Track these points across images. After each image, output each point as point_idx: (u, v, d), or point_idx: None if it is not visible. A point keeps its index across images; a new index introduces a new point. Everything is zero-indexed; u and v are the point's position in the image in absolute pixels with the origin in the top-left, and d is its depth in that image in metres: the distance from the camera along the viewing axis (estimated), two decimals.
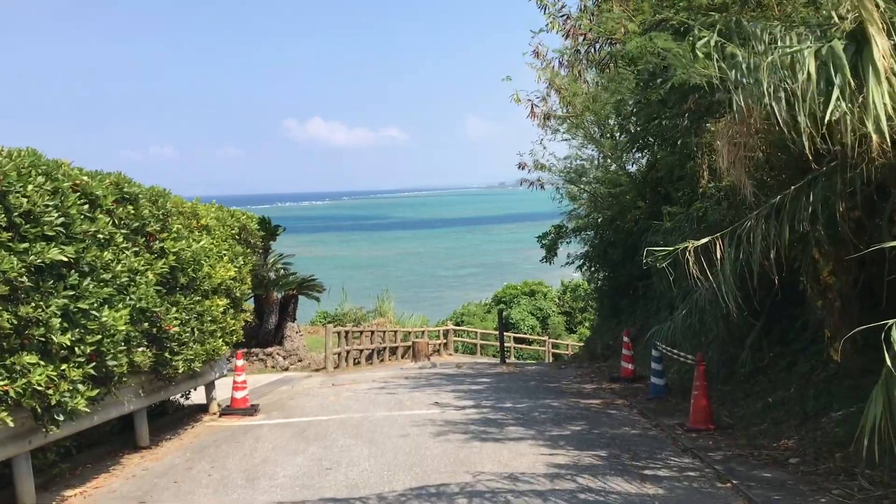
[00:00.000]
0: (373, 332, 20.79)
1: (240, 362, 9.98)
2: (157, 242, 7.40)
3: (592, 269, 18.72)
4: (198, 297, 8.21)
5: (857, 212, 5.77)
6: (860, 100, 3.93)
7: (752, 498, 5.38)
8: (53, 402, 5.42)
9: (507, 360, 21.32)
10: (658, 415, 8.83)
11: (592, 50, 11.04)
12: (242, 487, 6.28)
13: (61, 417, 5.61)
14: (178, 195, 8.35)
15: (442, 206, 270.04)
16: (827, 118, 4.01)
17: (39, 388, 5.19)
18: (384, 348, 21.28)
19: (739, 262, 6.15)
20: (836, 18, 4.67)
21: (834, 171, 5.35)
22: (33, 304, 5.20)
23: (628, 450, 7.07)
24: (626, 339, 12.24)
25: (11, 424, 5.18)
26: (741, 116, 5.63)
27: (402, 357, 21.82)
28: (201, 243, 8.28)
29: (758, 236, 5.77)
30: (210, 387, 9.90)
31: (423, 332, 23.87)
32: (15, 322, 5.08)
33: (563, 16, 11.28)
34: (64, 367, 5.53)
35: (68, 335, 5.48)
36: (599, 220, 17.85)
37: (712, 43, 4.86)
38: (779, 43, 4.45)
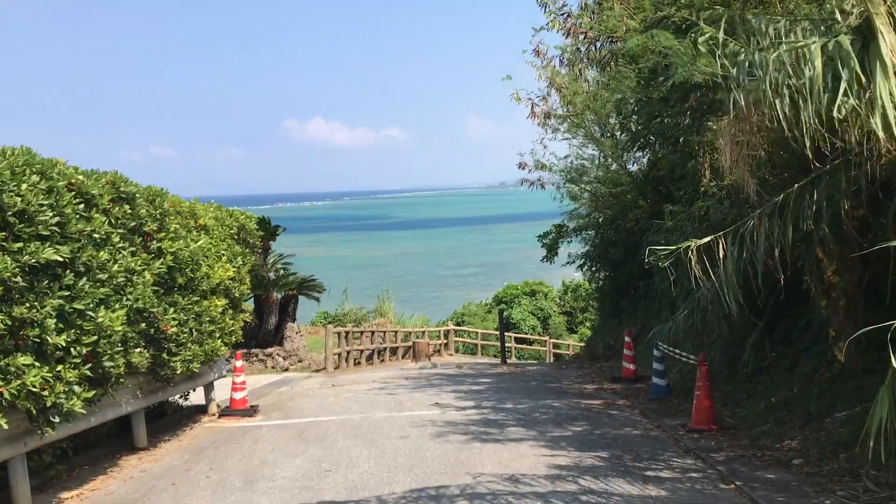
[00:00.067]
0: (373, 333, 20.73)
1: (239, 363, 9.92)
2: (154, 242, 7.34)
3: (593, 268, 18.66)
4: (196, 298, 8.15)
5: (862, 210, 5.71)
6: (867, 96, 3.87)
7: (755, 499, 5.32)
8: (49, 404, 5.35)
9: (508, 361, 21.26)
10: (660, 415, 8.76)
11: (593, 48, 10.97)
12: (241, 489, 6.22)
13: (57, 419, 5.54)
14: (175, 195, 8.29)
15: (442, 205, 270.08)
16: (833, 114, 3.95)
17: (34, 389, 5.12)
18: (384, 349, 21.21)
19: (742, 261, 6.10)
20: (838, 16, 4.60)
21: (838, 169, 5.29)
22: (28, 305, 5.13)
23: (630, 451, 7.01)
24: (627, 339, 12.18)
25: (6, 426, 5.11)
26: (743, 114, 5.56)
27: (403, 357, 21.76)
28: (199, 243, 8.22)
29: (761, 235, 5.72)
30: (209, 387, 9.84)
31: (423, 332, 23.81)
32: (9, 323, 5.02)
33: (563, 14, 11.22)
34: (59, 368, 5.46)
35: (64, 336, 5.42)
36: (600, 220, 17.79)
37: (719, 37, 4.78)
38: (783, 38, 4.38)
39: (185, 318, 7.84)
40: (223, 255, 9.13)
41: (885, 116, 3.74)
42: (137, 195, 7.03)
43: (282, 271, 18.29)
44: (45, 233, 5.31)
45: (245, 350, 16.28)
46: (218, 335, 8.88)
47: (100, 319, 5.84)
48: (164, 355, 7.51)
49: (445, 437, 7.79)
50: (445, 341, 25.52)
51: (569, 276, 35.77)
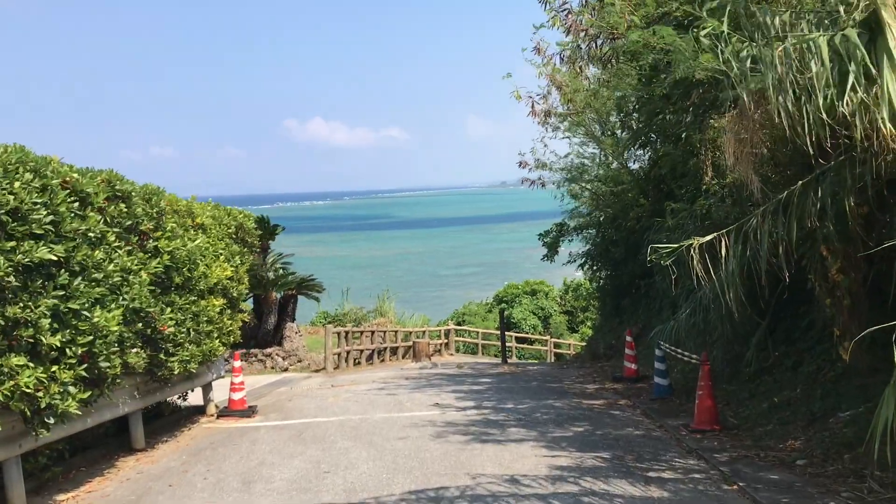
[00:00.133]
0: (373, 333, 20.66)
1: (237, 363, 9.85)
2: (150, 241, 7.27)
3: (594, 267, 18.60)
4: (193, 297, 8.08)
5: (867, 207, 5.64)
6: (874, 90, 3.80)
7: (759, 500, 5.26)
8: (43, 405, 5.28)
9: (509, 360, 21.20)
10: (662, 415, 8.69)
11: (594, 45, 10.90)
12: (238, 491, 6.16)
13: (52, 420, 5.47)
14: (172, 193, 8.22)
15: (443, 205, 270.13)
16: (839, 109, 3.87)
17: (28, 390, 5.06)
18: (384, 348, 21.15)
19: (745, 259, 6.03)
20: (842, 9, 4.53)
21: (843, 166, 5.22)
22: (21, 305, 5.07)
23: (632, 451, 6.94)
24: (628, 338, 12.11)
25: (0, 428, 5.05)
26: (747, 111, 5.49)
27: (403, 357, 21.70)
28: (197, 242, 8.14)
29: (764, 233, 5.65)
30: (207, 388, 9.77)
31: (423, 332, 23.75)
32: (2, 323, 4.95)
33: (564, 10, 11.14)
34: (54, 368, 5.40)
35: (58, 336, 5.35)
36: (601, 219, 17.73)
37: (723, 30, 4.71)
38: (788, 32, 4.31)
39: (183, 318, 7.78)
40: (221, 254, 9.06)
41: (892, 111, 3.67)
42: (133, 194, 6.95)
43: (281, 271, 18.23)
44: (38, 231, 5.24)
45: (244, 350, 16.22)
46: (216, 335, 8.81)
47: (95, 319, 5.77)
48: (162, 356, 7.44)
49: (445, 438, 7.73)
50: (446, 341, 25.46)
51: (570, 276, 35.72)
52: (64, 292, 5.47)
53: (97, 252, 6.01)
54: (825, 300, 6.24)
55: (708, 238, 5.98)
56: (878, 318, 6.21)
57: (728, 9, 4.82)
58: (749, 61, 4.83)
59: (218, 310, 8.72)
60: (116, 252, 6.46)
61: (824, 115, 3.93)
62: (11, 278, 4.95)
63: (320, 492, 5.98)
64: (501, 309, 30.33)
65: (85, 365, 5.74)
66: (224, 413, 9.70)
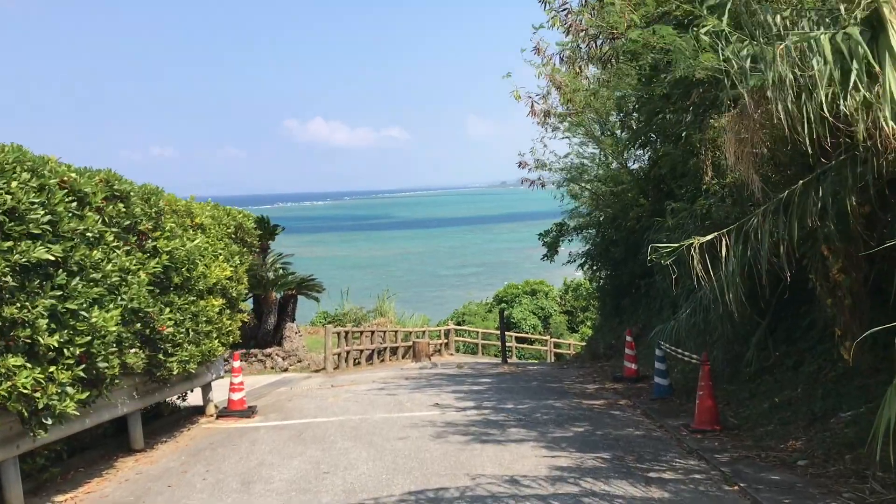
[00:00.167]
0: (373, 333, 20.64)
1: (237, 363, 9.83)
2: (149, 241, 7.24)
3: (594, 267, 18.58)
4: (192, 298, 8.05)
5: (868, 207, 5.61)
6: (876, 89, 3.77)
7: (760, 501, 5.23)
8: (41, 406, 5.26)
9: (509, 360, 21.18)
10: (662, 415, 8.67)
11: (594, 45, 10.88)
12: (237, 492, 6.14)
13: (49, 421, 5.44)
14: (171, 193, 8.19)
15: (443, 205, 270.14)
16: (841, 108, 3.85)
17: (25, 391, 5.03)
18: (384, 348, 21.13)
19: (746, 259, 6.01)
20: (842, 10, 4.51)
21: (844, 165, 5.19)
22: (18, 305, 5.04)
23: (632, 451, 6.91)
24: (628, 338, 12.08)
25: None
26: (747, 110, 5.47)
27: (403, 357, 21.68)
28: (196, 242, 8.12)
29: (765, 233, 5.63)
30: (206, 388, 9.75)
31: (423, 331, 23.73)
32: None
33: (564, 10, 11.11)
34: (52, 369, 5.37)
35: (56, 336, 5.32)
36: (601, 219, 17.71)
37: (722, 27, 4.68)
38: (789, 30, 4.28)
39: (182, 318, 7.75)
40: (220, 254, 9.04)
41: (895, 109, 3.65)
42: (132, 193, 6.93)
43: (281, 271, 18.21)
44: (36, 231, 5.21)
45: (244, 350, 16.20)
46: (215, 335, 8.78)
47: (93, 320, 5.75)
48: (160, 356, 7.42)
49: (445, 439, 7.70)
50: (446, 341, 25.44)
51: (570, 276, 35.70)
52: (62, 292, 5.44)
53: (95, 252, 5.98)
54: (826, 300, 6.22)
55: (708, 237, 5.95)
56: (879, 318, 6.19)
57: (728, 7, 4.79)
58: (749, 60, 4.80)
59: (217, 310, 8.69)
60: (115, 252, 6.43)
61: (827, 114, 3.90)
62: (8, 278, 4.92)
63: (319, 492, 5.96)
64: (501, 309, 30.30)
65: (83, 365, 5.71)
66: (223, 413, 9.68)
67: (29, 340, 5.13)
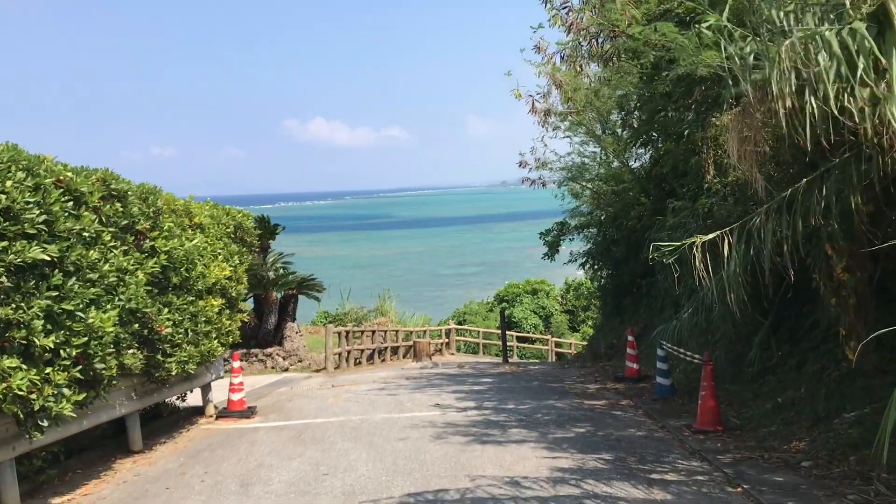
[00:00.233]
0: (374, 332, 20.59)
1: (236, 364, 9.78)
2: (147, 241, 7.19)
3: (595, 266, 18.51)
4: (191, 298, 8.00)
5: (872, 205, 5.55)
6: (882, 85, 3.71)
7: (763, 503, 5.17)
8: (37, 408, 5.21)
9: (510, 360, 21.13)
10: (664, 416, 8.61)
11: (595, 42, 10.82)
12: (236, 494, 6.08)
13: (45, 423, 5.40)
14: (169, 192, 8.14)
15: (444, 204, 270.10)
16: (846, 104, 3.79)
17: (21, 392, 4.98)
18: (385, 348, 21.08)
19: (749, 258, 5.95)
20: (847, 4, 4.45)
21: (848, 163, 5.13)
22: (14, 306, 4.99)
23: (634, 452, 6.85)
24: (630, 338, 12.02)
25: None
26: (750, 108, 5.41)
27: (404, 357, 21.63)
28: (194, 242, 8.06)
29: (768, 231, 5.57)
30: (206, 389, 9.70)
31: (424, 331, 23.68)
32: None
33: (565, 8, 11.04)
34: (48, 370, 5.33)
35: (52, 337, 5.27)
36: (602, 218, 17.64)
37: (725, 23, 4.62)
38: (793, 25, 4.22)
39: (180, 318, 7.70)
40: (219, 254, 8.98)
41: None
42: (129, 193, 6.87)
43: (281, 270, 18.17)
44: (31, 231, 5.16)
45: (244, 350, 16.16)
46: (214, 336, 8.73)
47: (90, 320, 5.70)
48: (159, 356, 7.37)
49: (446, 439, 7.65)
50: (447, 340, 25.39)
51: (571, 275, 35.63)
52: (58, 293, 5.39)
53: (92, 252, 5.93)
54: (830, 300, 6.15)
55: (710, 236, 5.90)
56: (884, 317, 6.14)
57: (729, 2, 4.73)
58: (752, 57, 4.75)
59: (216, 310, 8.64)
60: (112, 252, 6.38)
61: (835, 111, 3.84)
62: (3, 279, 4.88)
63: (319, 494, 5.91)
64: (502, 308, 30.26)
65: (80, 366, 5.67)
66: (223, 414, 9.63)
67: (24, 341, 5.09)
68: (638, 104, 10.70)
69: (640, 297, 15.63)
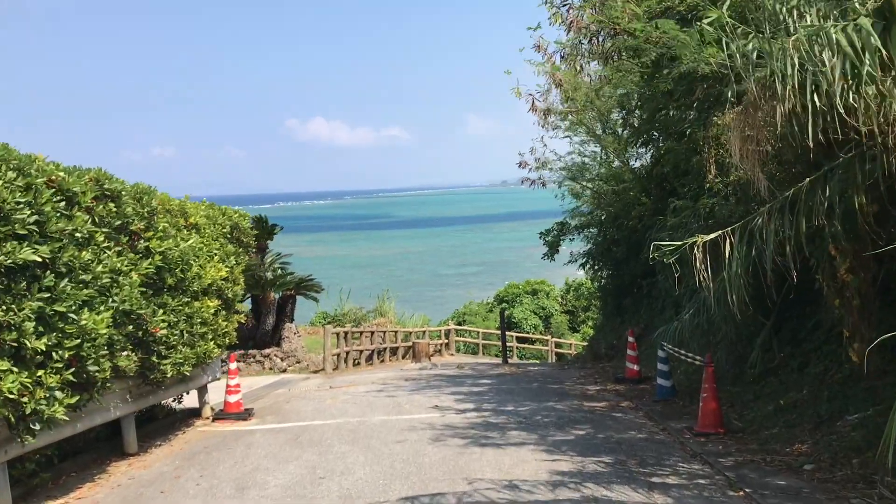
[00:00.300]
0: (373, 333, 20.51)
1: (233, 365, 9.71)
2: (141, 242, 7.10)
3: (596, 267, 18.44)
4: (187, 299, 7.91)
5: (876, 206, 5.48)
6: (888, 82, 3.64)
7: None
8: (28, 411, 5.13)
9: (510, 361, 21.06)
10: (665, 418, 8.53)
11: (596, 41, 10.74)
12: (231, 497, 6.00)
13: (37, 426, 5.32)
14: (164, 192, 8.05)
15: (444, 204, 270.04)
16: (850, 102, 3.71)
17: (12, 396, 4.90)
18: (384, 349, 21.00)
19: (750, 258, 5.87)
20: (855, 1, 4.37)
21: (852, 163, 5.05)
22: (4, 308, 4.90)
23: (635, 455, 6.77)
24: (630, 338, 11.94)
25: None
26: (753, 106, 5.34)
27: (403, 357, 21.55)
28: (190, 242, 7.98)
29: (770, 232, 5.49)
30: (203, 390, 9.62)
31: (423, 332, 23.61)
32: None
33: (566, 6, 10.96)
34: (40, 373, 5.24)
35: (44, 340, 5.19)
36: (603, 218, 17.57)
37: (726, 20, 4.54)
38: (797, 21, 4.14)
39: (176, 319, 7.61)
40: (215, 254, 8.90)
41: None
42: (123, 193, 6.78)
43: (279, 271, 18.08)
44: (22, 232, 5.07)
45: (242, 351, 16.08)
46: (210, 337, 8.65)
47: (83, 322, 5.61)
48: (154, 358, 7.28)
49: (444, 442, 7.57)
50: (446, 341, 25.32)
51: (571, 275, 35.55)
52: (49, 294, 5.31)
53: (85, 253, 5.84)
54: (834, 301, 6.08)
55: (712, 236, 5.82)
56: (888, 319, 6.06)
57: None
58: (755, 54, 4.67)
59: (212, 311, 8.56)
60: (105, 253, 6.29)
61: (840, 109, 3.76)
62: None
63: (315, 498, 5.83)
64: (502, 309, 30.19)
65: (73, 369, 5.58)
66: (220, 416, 9.54)
67: (15, 344, 5.00)
68: (639, 103, 10.62)
69: (641, 297, 15.56)
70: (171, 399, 9.02)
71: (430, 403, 10.26)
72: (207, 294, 8.50)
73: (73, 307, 5.53)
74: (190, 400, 9.61)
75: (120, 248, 6.66)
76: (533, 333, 31.83)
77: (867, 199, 5.19)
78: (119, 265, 6.45)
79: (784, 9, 4.12)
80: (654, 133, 11.48)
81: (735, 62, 4.91)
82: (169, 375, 7.56)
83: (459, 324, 30.10)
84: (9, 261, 4.89)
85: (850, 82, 3.72)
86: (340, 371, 17.13)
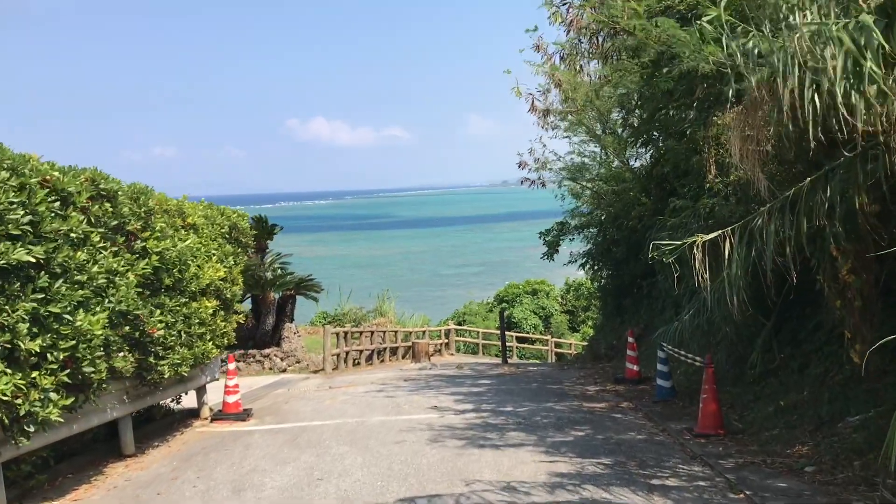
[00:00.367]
0: (372, 333, 20.48)
1: (232, 366, 9.67)
2: (138, 242, 7.05)
3: (595, 267, 18.40)
4: (184, 299, 7.87)
5: (878, 206, 5.42)
6: (890, 80, 3.59)
7: None
8: (22, 413, 5.09)
9: (510, 361, 21.01)
10: (665, 419, 8.49)
11: (595, 40, 10.69)
12: (228, 499, 5.97)
13: (32, 428, 5.28)
14: (161, 192, 8.01)
15: (444, 204, 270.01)
16: (852, 100, 3.66)
17: (5, 397, 4.86)
18: (384, 349, 20.97)
19: (750, 258, 5.83)
20: None
21: (853, 163, 5.00)
22: None
23: (634, 457, 6.73)
24: (630, 339, 11.89)
25: None
26: (753, 105, 5.29)
27: (403, 357, 21.52)
28: (187, 242, 7.94)
29: (770, 232, 5.45)
30: (201, 391, 9.58)
31: (423, 332, 23.57)
32: None
33: (565, 5, 10.91)
34: (34, 374, 5.20)
35: (38, 341, 5.15)
36: (602, 218, 17.52)
37: (726, 18, 4.50)
38: (797, 19, 4.10)
39: (173, 320, 7.57)
40: (214, 254, 8.86)
41: None
42: (119, 193, 6.74)
43: (279, 271, 18.04)
44: (15, 232, 5.03)
45: (242, 351, 16.04)
46: (209, 337, 8.61)
47: (78, 323, 5.58)
48: (151, 359, 7.24)
49: (442, 443, 7.52)
50: (446, 341, 25.28)
51: (571, 275, 35.50)
52: (44, 295, 5.27)
53: (80, 253, 5.79)
54: (835, 302, 6.02)
55: (712, 236, 5.78)
56: (889, 320, 6.02)
57: None
58: (755, 52, 4.62)
59: (211, 311, 8.52)
60: (101, 253, 6.25)
61: (841, 108, 3.71)
62: None
63: (312, 500, 5.79)
64: (502, 309, 30.15)
65: (68, 370, 5.54)
66: (218, 416, 9.51)
67: (9, 345, 4.96)
68: (638, 102, 10.58)
69: (641, 297, 15.51)
70: (170, 400, 8.99)
71: (428, 404, 10.22)
72: (205, 294, 8.46)
73: (68, 308, 5.49)
74: (188, 400, 9.58)
75: (116, 249, 6.61)
76: (533, 333, 31.78)
77: (869, 200, 5.14)
78: (115, 265, 6.41)
79: (785, 6, 4.07)
80: (654, 133, 11.44)
81: (735, 60, 4.87)
82: (166, 376, 7.52)
83: (459, 324, 30.06)
84: (2, 261, 4.85)
85: (852, 80, 3.67)
86: (340, 371, 17.10)
